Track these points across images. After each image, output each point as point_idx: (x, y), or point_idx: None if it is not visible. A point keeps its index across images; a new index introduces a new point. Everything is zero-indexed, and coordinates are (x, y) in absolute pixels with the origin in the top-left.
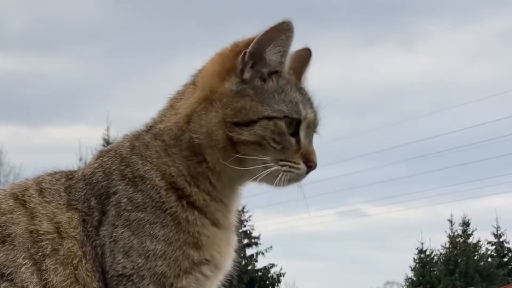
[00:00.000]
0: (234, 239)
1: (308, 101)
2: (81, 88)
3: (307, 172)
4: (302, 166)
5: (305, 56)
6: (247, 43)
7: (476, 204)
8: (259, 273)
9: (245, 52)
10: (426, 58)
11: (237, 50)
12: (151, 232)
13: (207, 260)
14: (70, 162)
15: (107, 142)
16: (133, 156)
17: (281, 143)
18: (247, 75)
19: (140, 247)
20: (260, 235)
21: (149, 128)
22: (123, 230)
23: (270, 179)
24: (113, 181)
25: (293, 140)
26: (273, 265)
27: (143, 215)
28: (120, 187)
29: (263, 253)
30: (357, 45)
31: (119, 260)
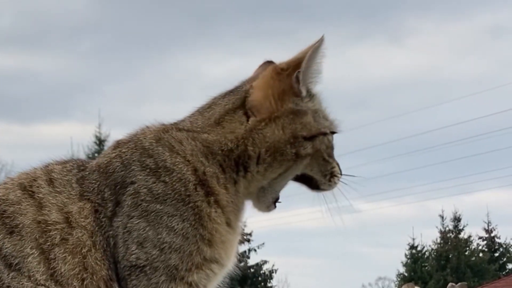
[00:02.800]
0: (237, 242)
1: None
2: (72, 85)
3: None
4: (340, 176)
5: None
6: (295, 63)
7: (467, 200)
8: (252, 270)
9: (299, 72)
10: (415, 54)
11: (287, 71)
12: (169, 224)
13: (216, 259)
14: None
15: (98, 139)
16: (159, 148)
17: (331, 155)
18: (304, 93)
19: (156, 238)
20: (252, 231)
21: (184, 129)
22: (139, 220)
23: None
24: (132, 171)
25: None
26: (265, 262)
27: (161, 206)
28: (140, 177)
29: (255, 250)
30: (347, 41)
31: (133, 250)
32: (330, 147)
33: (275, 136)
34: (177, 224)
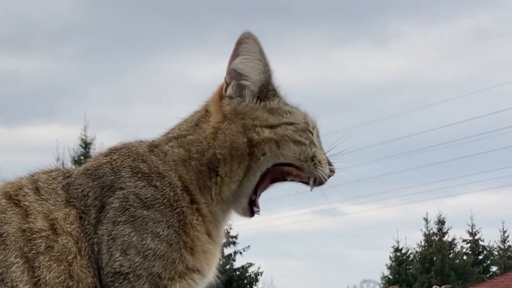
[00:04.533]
0: (219, 254)
1: (311, 119)
2: (57, 88)
3: (328, 177)
4: (326, 167)
5: None
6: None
7: (451, 203)
8: (237, 272)
9: (225, 76)
10: (400, 57)
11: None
12: (155, 230)
13: (198, 269)
14: (47, 161)
15: (84, 142)
16: (152, 156)
17: (308, 138)
18: (229, 91)
19: (140, 244)
20: (237, 234)
21: (169, 140)
22: (124, 226)
23: (245, 199)
24: (122, 178)
25: (317, 143)
26: (251, 264)
27: (148, 212)
28: (130, 184)
29: (241, 252)
30: (331, 44)
31: (116, 257)
32: (305, 132)
33: (231, 132)
34: (163, 230)
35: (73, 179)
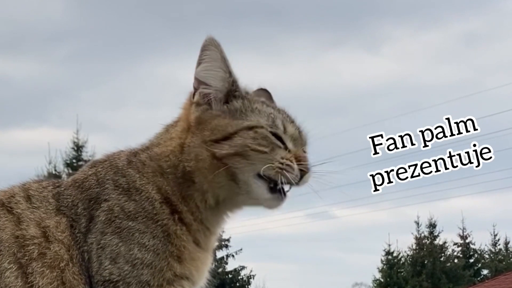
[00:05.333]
0: (210, 260)
1: (288, 118)
2: (48, 91)
3: (302, 176)
4: (295, 167)
5: (265, 95)
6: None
7: (442, 206)
8: (230, 276)
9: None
10: (391, 61)
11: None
12: (140, 241)
13: (187, 276)
14: (39, 165)
15: (76, 145)
16: (129, 170)
17: (268, 145)
18: (196, 97)
19: (128, 254)
20: (230, 237)
21: (146, 148)
22: (112, 237)
23: (263, 190)
24: (106, 189)
25: (282, 145)
26: (243, 267)
27: (133, 224)
28: (113, 196)
29: (233, 256)
30: (323, 48)
31: (106, 266)
32: (265, 139)
33: (194, 145)
34: (148, 241)
35: (62, 188)
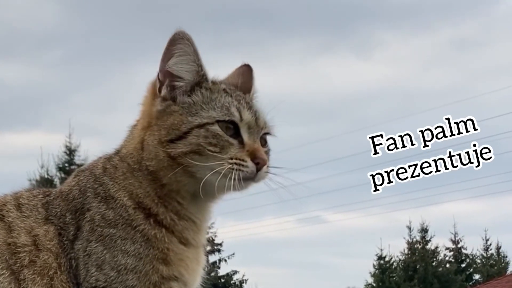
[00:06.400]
0: (203, 257)
1: (245, 105)
2: (40, 94)
3: (258, 170)
4: (249, 163)
5: (247, 71)
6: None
7: (434, 211)
8: (222, 280)
9: (158, 73)
10: (382, 66)
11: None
12: (123, 247)
13: (176, 277)
14: (31, 169)
15: (69, 149)
16: (104, 177)
17: (218, 144)
18: (164, 92)
19: (112, 261)
20: (222, 242)
21: (117, 152)
22: (96, 244)
23: (223, 183)
24: (88, 198)
25: (234, 141)
26: (235, 272)
27: (114, 231)
28: (94, 204)
29: (225, 260)
30: (314, 53)
31: (92, 273)
32: (216, 137)
33: (153, 144)
34: (130, 247)
35: (51, 198)
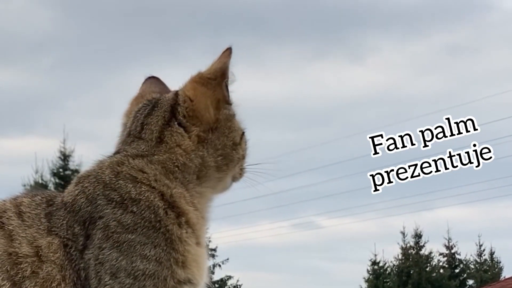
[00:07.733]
0: (207, 257)
1: None
2: (34, 99)
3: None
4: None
5: (158, 83)
6: (220, 73)
7: (428, 217)
8: (216, 285)
9: (226, 80)
10: (375, 72)
11: (216, 80)
12: (142, 252)
13: (189, 280)
14: (25, 174)
15: (63, 154)
16: (119, 181)
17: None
18: (231, 99)
19: (130, 266)
20: (217, 247)
21: (139, 155)
22: (110, 251)
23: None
24: (98, 206)
25: None
26: (230, 277)
27: (133, 236)
28: (107, 211)
29: (220, 265)
30: (307, 58)
31: (106, 281)
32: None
33: (223, 143)
34: (149, 251)
35: (55, 208)
